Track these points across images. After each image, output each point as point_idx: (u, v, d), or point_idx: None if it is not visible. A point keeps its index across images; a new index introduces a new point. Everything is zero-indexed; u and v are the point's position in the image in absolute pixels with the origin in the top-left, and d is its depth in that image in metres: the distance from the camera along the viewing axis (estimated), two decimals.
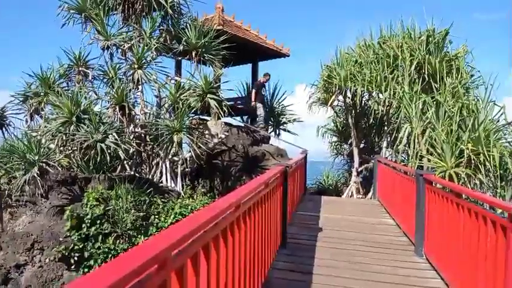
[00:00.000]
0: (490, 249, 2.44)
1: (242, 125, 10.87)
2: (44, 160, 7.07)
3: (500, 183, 6.71)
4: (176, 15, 8.99)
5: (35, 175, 6.97)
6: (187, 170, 9.38)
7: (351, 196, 10.27)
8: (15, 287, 7.32)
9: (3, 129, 9.97)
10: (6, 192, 9.02)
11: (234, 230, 2.12)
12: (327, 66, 10.26)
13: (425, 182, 4.11)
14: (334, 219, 6.06)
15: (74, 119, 6.70)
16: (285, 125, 12.12)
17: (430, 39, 8.17)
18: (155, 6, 8.41)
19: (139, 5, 8.29)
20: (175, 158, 8.79)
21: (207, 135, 9.27)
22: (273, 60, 12.09)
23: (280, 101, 11.98)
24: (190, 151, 8.40)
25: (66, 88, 9.64)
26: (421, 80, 8.00)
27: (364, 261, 4.03)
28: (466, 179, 6.26)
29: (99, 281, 0.88)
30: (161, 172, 8.81)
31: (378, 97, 9.45)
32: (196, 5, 13.32)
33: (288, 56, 11.67)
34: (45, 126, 7.81)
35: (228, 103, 8.69)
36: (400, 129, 7.96)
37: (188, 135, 8.01)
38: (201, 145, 8.36)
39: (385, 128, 9.88)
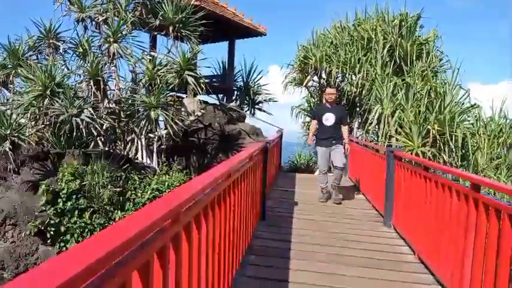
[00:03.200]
0: (454, 216, 2.72)
1: (218, 103, 10.91)
2: (16, 134, 6.89)
3: (462, 162, 7.20)
4: None
5: (7, 149, 6.79)
6: (162, 147, 9.38)
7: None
8: None
9: None
10: None
11: (225, 196, 2.27)
12: (303, 46, 10.41)
13: (395, 158, 4.40)
14: (309, 194, 6.34)
15: (48, 92, 6.53)
16: (260, 104, 12.24)
17: (403, 23, 8.45)
18: None
19: None
20: (151, 135, 8.77)
21: (183, 113, 9.26)
22: (249, 39, 12.08)
23: (255, 80, 12.05)
24: (166, 128, 8.39)
25: (36, 61, 9.30)
26: (392, 62, 8.31)
27: (337, 231, 4.31)
28: (431, 158, 6.67)
29: (128, 229, 0.99)
30: (136, 149, 8.77)
31: (351, 78, 9.72)
32: None
33: (265, 34, 11.69)
34: (17, 100, 7.55)
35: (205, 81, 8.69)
36: (372, 110, 8.29)
37: (164, 112, 7.98)
38: (177, 121, 8.36)
39: (357, 109, 10.21)
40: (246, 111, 11.76)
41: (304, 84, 10.81)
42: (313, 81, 11.09)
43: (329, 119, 5.71)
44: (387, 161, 4.58)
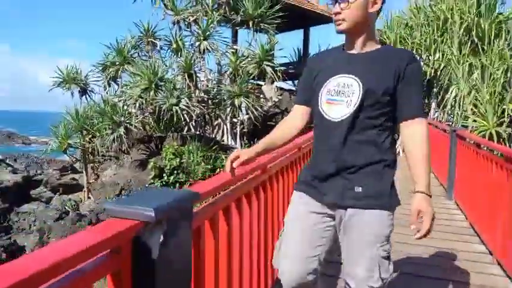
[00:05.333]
0: (495, 185, 3.17)
1: (294, 88, 11.63)
2: (128, 121, 8.40)
3: None
4: None
5: (122, 133, 8.34)
6: (244, 130, 10.44)
7: (397, 154, 10.79)
8: None
9: (87, 94, 11.56)
10: (90, 149, 10.72)
11: (293, 167, 3.02)
12: (377, 29, 10.59)
13: (457, 137, 4.75)
14: None
15: (153, 86, 7.87)
16: None
17: (482, 0, 8.27)
18: None
19: None
20: (235, 120, 9.85)
21: (262, 99, 10.19)
22: (325, 25, 12.51)
23: None
24: (248, 113, 9.38)
25: (138, 58, 10.91)
26: (469, 42, 8.21)
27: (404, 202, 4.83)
28: (506, 138, 6.69)
29: (225, 176, 1.77)
30: (222, 132, 9.95)
31: (428, 59, 9.71)
32: None
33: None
34: (125, 92, 9.13)
35: (281, 68, 9.47)
36: (448, 90, 8.34)
37: (246, 99, 8.96)
38: (257, 107, 9.30)
39: (434, 89, 10.17)
40: None
41: None
42: None
43: (338, 95, 1.44)
44: (450, 140, 4.94)
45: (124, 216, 0.99)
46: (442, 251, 3.38)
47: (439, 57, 8.72)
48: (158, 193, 1.16)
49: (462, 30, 8.22)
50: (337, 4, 1.40)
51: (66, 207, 10.84)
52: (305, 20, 11.82)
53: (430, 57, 9.34)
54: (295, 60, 12.33)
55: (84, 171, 10.86)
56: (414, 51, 9.55)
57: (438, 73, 9.28)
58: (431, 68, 9.32)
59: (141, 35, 10.63)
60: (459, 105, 7.94)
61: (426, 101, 11.53)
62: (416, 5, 9.91)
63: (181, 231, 1.14)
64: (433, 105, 10.34)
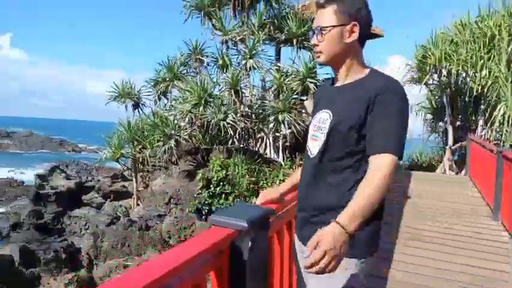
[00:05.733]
0: None
1: None
2: (178, 134, 8.95)
3: None
4: (278, 6, 10.16)
5: (172, 145, 8.89)
6: (287, 144, 10.73)
7: (443, 173, 10.63)
8: (155, 231, 9.49)
9: (139, 108, 12.35)
10: (140, 159, 11.40)
11: None
12: (422, 46, 10.58)
13: (504, 158, 4.78)
14: (423, 190, 6.86)
15: (202, 101, 8.39)
16: None
17: None
18: None
19: (247, 0, 9.61)
20: (277, 134, 10.17)
21: (304, 114, 10.45)
22: (368, 41, 12.60)
23: None
24: (290, 128, 9.68)
25: (186, 74, 11.57)
26: None
27: (445, 221, 4.92)
28: None
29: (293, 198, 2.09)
30: (265, 145, 10.29)
31: (474, 76, 9.58)
32: None
33: (382, 36, 12.11)
34: (176, 107, 9.72)
35: None
36: (495, 108, 8.21)
37: (289, 115, 9.26)
38: (299, 122, 9.57)
39: (482, 106, 9.97)
40: None
41: (423, 82, 10.95)
42: (433, 79, 11.13)
43: (317, 130, 1.47)
44: (497, 161, 4.97)
45: (224, 225, 1.31)
46: (484, 271, 3.47)
47: (485, 74, 8.61)
48: (246, 208, 1.48)
49: (511, 47, 8.10)
50: (314, 36, 1.39)
51: (118, 213, 11.58)
52: None
53: (477, 74, 9.22)
54: None
55: (134, 180, 11.56)
56: (460, 68, 9.48)
57: (485, 90, 9.14)
58: (478, 85, 9.19)
59: (190, 52, 11.29)
60: (508, 123, 7.80)
61: (473, 117, 11.30)
62: (461, 22, 9.84)
63: (262, 239, 1.45)
64: (481, 122, 10.14)
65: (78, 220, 15.63)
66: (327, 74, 11.87)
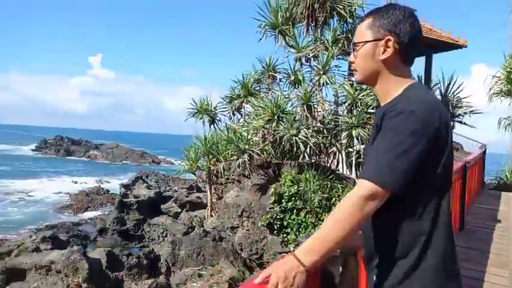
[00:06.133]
0: None
1: None
2: (251, 149, 9.19)
3: None
4: (352, 20, 10.06)
5: (246, 160, 9.15)
6: (360, 160, 10.44)
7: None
8: (227, 243, 9.74)
9: (215, 123, 12.93)
10: (214, 171, 11.85)
11: None
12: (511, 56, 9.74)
13: None
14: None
15: (275, 118, 8.55)
16: (460, 117, 11.86)
17: None
18: (335, 14, 9.67)
19: (321, 17, 9.66)
20: (350, 150, 9.95)
21: None
22: (449, 52, 11.95)
23: (455, 93, 11.76)
24: (363, 143, 9.42)
25: (259, 90, 11.89)
26: None
27: None
28: None
29: None
30: (337, 161, 10.12)
31: None
32: (371, 6, 14.04)
33: (465, 46, 11.36)
34: (249, 123, 10.02)
35: None
36: None
37: (363, 130, 9.03)
38: None
39: None
40: None
41: None
42: None
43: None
44: None
45: None
46: None
47: None
48: None
49: None
50: (352, 53, 1.34)
51: (193, 223, 12.14)
52: (427, 47, 11.45)
53: None
54: None
55: (208, 191, 12.05)
56: None
57: None
58: None
59: (263, 69, 11.60)
60: None
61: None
62: None
63: (352, 266, 1.47)
64: None
65: (156, 228, 16.67)
66: None
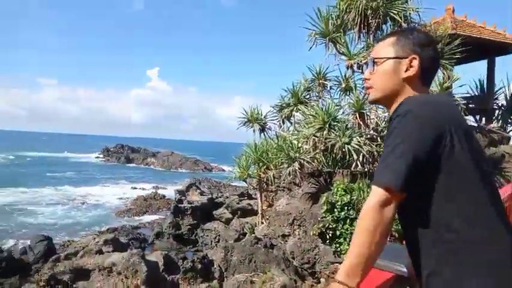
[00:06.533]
0: None
1: (476, 125, 10.62)
2: (302, 157, 9.19)
3: None
4: (407, 25, 9.74)
5: (296, 168, 9.16)
6: None
7: None
8: (279, 251, 9.76)
9: (264, 132, 13.08)
10: (265, 179, 11.95)
11: None
12: None
13: None
14: None
15: (326, 126, 8.50)
16: None
17: None
18: (388, 19, 9.44)
19: (374, 22, 9.47)
20: None
21: None
22: None
23: None
24: None
25: (309, 98, 11.87)
26: None
27: None
28: None
29: None
30: None
31: None
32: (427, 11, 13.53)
33: None
34: (299, 131, 10.03)
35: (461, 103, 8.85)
36: None
37: None
38: None
39: None
40: (510, 132, 10.87)
41: None
42: None
43: None
44: None
45: (382, 268, 1.37)
46: None
47: None
48: (401, 250, 1.49)
49: None
50: (367, 69, 1.30)
51: (244, 229, 12.32)
52: (489, 50, 10.80)
53: None
54: (476, 94, 11.29)
55: (259, 199, 12.19)
56: None
57: None
58: None
59: (314, 77, 11.58)
60: None
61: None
62: None
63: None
64: None
65: (209, 233, 17.12)
66: (467, 93, 10.82)
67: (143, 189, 32.67)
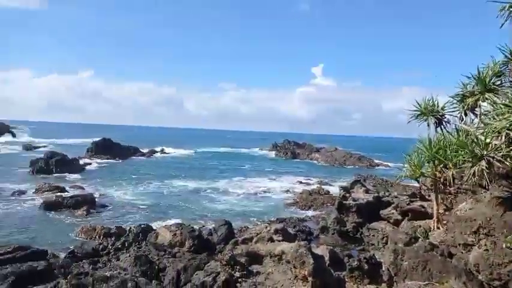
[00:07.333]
0: None
1: None
2: (491, 155, 7.81)
3: None
4: None
5: (483, 168, 7.85)
6: None
7: None
8: (459, 261, 8.57)
9: (441, 125, 11.67)
10: (441, 179, 10.64)
11: None
12: None
13: None
14: None
15: None
16: None
17: None
18: None
19: None
20: None
21: None
22: None
23: None
24: None
25: (500, 84, 9.98)
26: None
27: None
28: None
29: None
30: None
31: None
32: None
33: None
34: (487, 124, 8.55)
35: None
36: None
37: None
38: None
39: None
40: None
41: None
42: None
43: None
44: None
45: None
46: None
47: None
48: None
49: None
50: None
51: (416, 233, 11.32)
52: None
53: None
54: None
55: (434, 201, 10.99)
56: None
57: None
58: None
59: (506, 60, 9.71)
60: None
61: None
62: None
63: None
64: None
65: (376, 233, 16.46)
66: None
67: (308, 184, 33.74)
